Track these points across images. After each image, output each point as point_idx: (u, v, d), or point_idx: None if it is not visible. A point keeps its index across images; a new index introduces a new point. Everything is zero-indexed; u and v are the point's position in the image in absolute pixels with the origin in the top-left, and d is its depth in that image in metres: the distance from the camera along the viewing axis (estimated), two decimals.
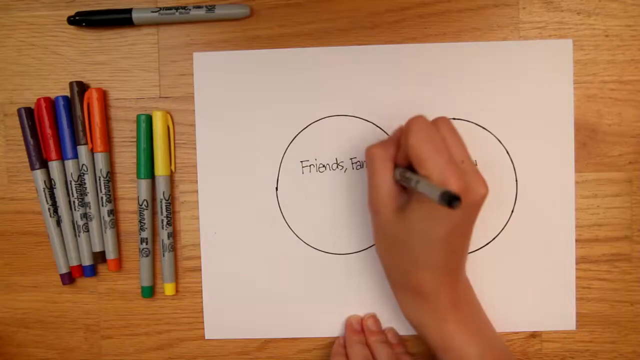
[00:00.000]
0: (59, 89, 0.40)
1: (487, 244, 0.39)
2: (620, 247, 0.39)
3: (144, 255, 0.40)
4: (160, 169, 0.39)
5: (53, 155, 0.39)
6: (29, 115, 0.39)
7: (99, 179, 0.39)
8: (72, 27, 0.40)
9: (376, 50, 0.39)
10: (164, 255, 0.40)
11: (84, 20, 0.39)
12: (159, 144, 0.39)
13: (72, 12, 0.39)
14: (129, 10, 0.39)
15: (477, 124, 0.39)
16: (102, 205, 0.39)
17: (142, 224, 0.39)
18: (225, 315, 0.40)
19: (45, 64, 0.40)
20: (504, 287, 0.39)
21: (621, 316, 0.40)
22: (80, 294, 0.41)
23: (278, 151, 0.40)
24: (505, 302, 0.39)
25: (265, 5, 0.39)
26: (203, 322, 0.40)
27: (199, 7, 0.39)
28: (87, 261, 0.40)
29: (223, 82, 0.40)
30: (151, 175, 0.39)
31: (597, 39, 0.39)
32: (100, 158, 0.39)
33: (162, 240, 0.40)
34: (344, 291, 0.40)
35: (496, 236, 0.39)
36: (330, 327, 0.40)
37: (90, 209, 0.40)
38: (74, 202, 0.40)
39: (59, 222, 0.40)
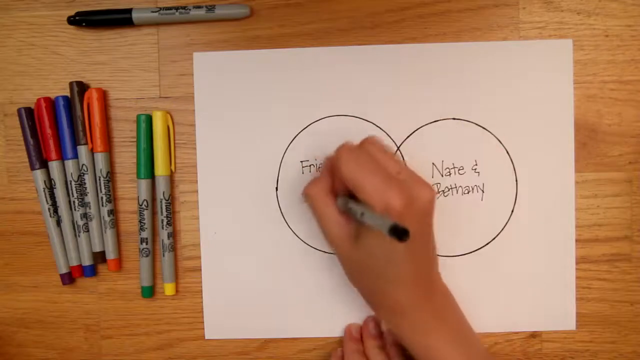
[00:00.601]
0: (59, 89, 0.40)
1: (487, 244, 0.39)
2: (620, 247, 0.39)
3: (144, 255, 0.40)
4: (160, 169, 0.39)
5: (53, 155, 0.39)
6: (29, 115, 0.39)
7: (99, 179, 0.39)
8: (72, 27, 0.40)
9: (376, 50, 0.39)
10: (164, 255, 0.40)
11: (84, 20, 0.39)
12: (159, 144, 0.39)
13: (72, 12, 0.39)
14: (129, 10, 0.39)
15: (477, 124, 0.39)
16: (102, 205, 0.39)
17: (142, 224, 0.39)
18: (225, 315, 0.40)
19: (45, 64, 0.40)
20: (504, 287, 0.39)
21: (621, 316, 0.40)
22: (80, 294, 0.41)
23: (278, 151, 0.40)
24: (505, 302, 0.39)
25: (265, 5, 0.39)
26: (203, 322, 0.40)
27: (199, 7, 0.39)
28: (87, 261, 0.40)
29: (223, 82, 0.40)
30: (151, 175, 0.39)
31: (597, 39, 0.39)
32: (100, 158, 0.39)
33: (162, 240, 0.40)
34: (344, 291, 0.40)
35: (496, 236, 0.39)
36: (330, 327, 0.40)
37: (90, 209, 0.40)
38: (74, 202, 0.40)
39: (59, 222, 0.40)
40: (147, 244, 0.39)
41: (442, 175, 0.39)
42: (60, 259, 0.40)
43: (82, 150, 0.39)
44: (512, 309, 0.39)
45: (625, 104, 0.39)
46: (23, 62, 0.40)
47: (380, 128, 0.39)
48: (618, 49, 0.39)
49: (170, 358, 0.41)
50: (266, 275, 0.40)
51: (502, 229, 0.39)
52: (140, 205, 0.39)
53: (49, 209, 0.40)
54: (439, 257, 0.37)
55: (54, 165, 0.39)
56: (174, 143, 0.40)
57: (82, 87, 0.39)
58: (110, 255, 0.40)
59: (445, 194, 0.39)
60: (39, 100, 0.39)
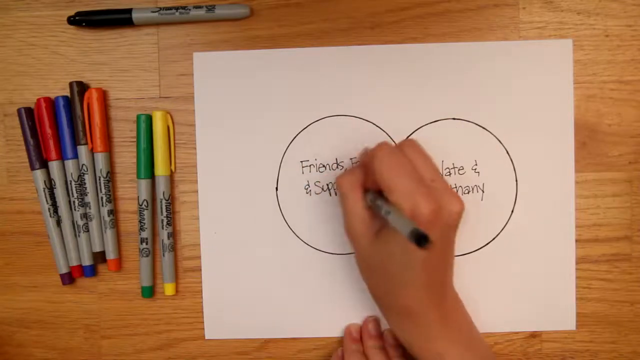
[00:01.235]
0: (59, 89, 0.40)
1: (487, 244, 0.39)
2: (620, 247, 0.39)
3: (144, 255, 0.40)
4: (160, 169, 0.39)
5: (53, 155, 0.39)
6: (29, 115, 0.39)
7: (99, 179, 0.39)
8: (72, 27, 0.40)
9: (376, 50, 0.39)
10: (164, 255, 0.40)
11: (84, 20, 0.39)
12: (159, 144, 0.39)
13: (72, 12, 0.39)
14: (129, 10, 0.39)
15: (477, 124, 0.39)
16: (102, 205, 0.39)
17: (142, 224, 0.39)
18: (225, 315, 0.40)
19: (45, 64, 0.40)
20: (504, 287, 0.39)
21: (621, 316, 0.40)
22: (80, 294, 0.41)
23: (278, 151, 0.40)
24: (505, 302, 0.39)
25: (265, 5, 0.39)
26: (203, 322, 0.40)
27: (199, 7, 0.39)
28: (87, 261, 0.40)
29: (223, 82, 0.40)
30: (151, 175, 0.39)
31: (597, 39, 0.39)
32: (100, 158, 0.39)
33: (162, 240, 0.40)
34: (344, 291, 0.40)
35: (496, 236, 0.39)
36: (330, 327, 0.40)
37: (90, 209, 0.40)
38: (74, 202, 0.40)
39: (59, 222, 0.40)
40: (147, 244, 0.39)
41: (442, 175, 0.39)
42: (60, 259, 0.40)
43: (82, 150, 0.39)
44: (512, 309, 0.39)
45: (625, 104, 0.39)
46: (23, 62, 0.40)
47: (380, 128, 0.39)
48: (618, 49, 0.39)
49: (170, 358, 0.41)
50: (266, 275, 0.40)
51: (502, 229, 0.39)
52: (140, 205, 0.39)
53: (49, 209, 0.40)
54: None
55: (54, 165, 0.39)
56: (174, 143, 0.40)
57: (82, 87, 0.39)
58: (110, 255, 0.40)
59: None
60: (39, 100, 0.39)
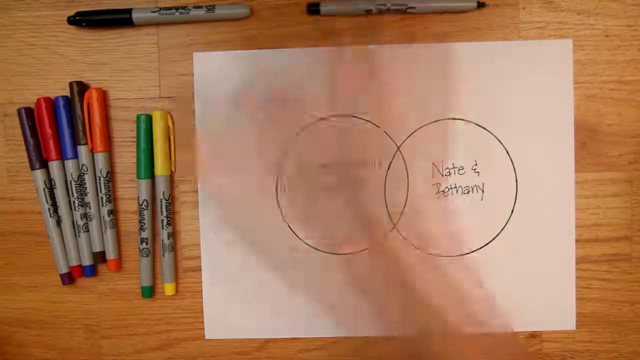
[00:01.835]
0: (59, 89, 0.40)
1: (487, 244, 0.39)
2: (620, 247, 0.39)
3: (144, 255, 0.40)
4: (160, 169, 0.39)
5: (53, 155, 0.39)
6: (29, 115, 0.39)
7: (99, 179, 0.39)
8: (72, 27, 0.40)
9: (376, 50, 0.39)
10: (164, 255, 0.40)
11: (84, 20, 0.39)
12: (159, 144, 0.39)
13: (72, 12, 0.39)
14: (129, 10, 0.39)
15: (477, 124, 0.39)
16: (102, 205, 0.39)
17: (142, 224, 0.39)
18: (225, 315, 0.40)
19: (45, 64, 0.40)
20: (504, 287, 0.39)
21: (621, 316, 0.40)
22: (80, 294, 0.41)
23: (278, 151, 0.40)
24: (506, 302, 0.39)
25: (265, 5, 0.39)
26: (203, 322, 0.40)
27: (199, 7, 0.39)
28: (87, 261, 0.40)
29: (223, 82, 0.40)
30: (151, 175, 0.39)
31: (597, 39, 0.39)
32: (100, 158, 0.39)
33: (162, 240, 0.40)
34: (344, 291, 0.40)
35: (496, 236, 0.39)
36: (330, 327, 0.40)
37: (90, 209, 0.40)
38: (74, 202, 0.40)
39: (59, 222, 0.40)
40: (147, 244, 0.39)
41: (442, 175, 0.39)
42: (60, 259, 0.40)
43: (82, 150, 0.39)
44: (512, 308, 0.39)
45: (625, 104, 0.39)
46: (23, 62, 0.40)
47: (381, 128, 0.39)
48: (618, 49, 0.39)
49: (170, 358, 0.41)
50: (266, 275, 0.40)
51: (502, 229, 0.39)
52: (140, 205, 0.39)
53: (49, 209, 0.40)
54: (438, 257, 0.38)
55: (54, 165, 0.39)
56: (174, 143, 0.40)
57: (82, 87, 0.39)
58: (110, 255, 0.40)
59: (445, 194, 0.39)
60: (39, 100, 0.39)
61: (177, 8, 0.39)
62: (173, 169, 0.40)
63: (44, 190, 0.40)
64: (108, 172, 0.40)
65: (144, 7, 0.39)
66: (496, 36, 0.39)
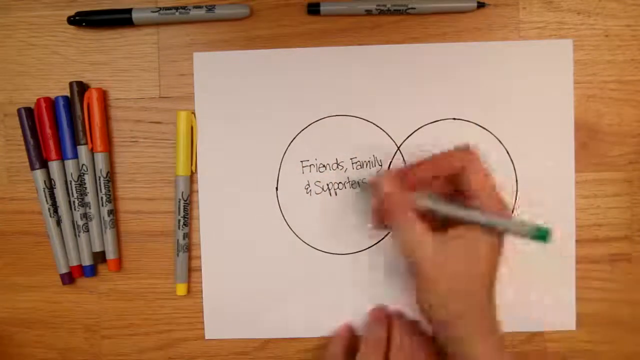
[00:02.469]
0: (59, 89, 0.40)
1: None
2: (620, 247, 0.39)
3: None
4: (182, 169, 0.39)
5: (53, 155, 0.39)
6: (29, 115, 0.39)
7: (99, 179, 0.39)
8: (72, 27, 0.40)
9: (376, 50, 0.39)
10: (177, 255, 0.39)
11: (84, 20, 0.39)
12: (181, 144, 0.39)
13: (72, 12, 0.39)
14: (129, 10, 0.39)
15: (477, 124, 0.39)
16: (102, 205, 0.39)
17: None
18: (225, 315, 0.40)
19: (45, 64, 0.40)
20: (504, 287, 0.39)
21: (621, 316, 0.40)
22: (80, 294, 0.41)
23: (278, 151, 0.40)
24: (506, 302, 0.39)
25: (265, 5, 0.39)
26: (203, 322, 0.40)
27: (199, 7, 0.39)
28: (87, 261, 0.40)
29: (223, 82, 0.40)
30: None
31: (597, 39, 0.39)
32: (100, 158, 0.39)
33: (178, 240, 0.39)
34: (344, 291, 0.40)
35: None
36: (330, 327, 0.40)
37: (90, 209, 0.40)
38: (74, 202, 0.40)
39: (59, 222, 0.40)
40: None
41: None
42: (60, 259, 0.40)
43: (82, 150, 0.39)
44: (512, 309, 0.39)
45: (625, 104, 0.39)
46: (23, 62, 0.40)
47: (381, 128, 0.39)
48: (618, 49, 0.39)
49: (170, 358, 0.41)
50: (266, 275, 0.40)
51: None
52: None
53: (49, 209, 0.40)
54: None
55: (54, 165, 0.39)
56: (197, 144, 0.40)
57: (82, 87, 0.39)
58: (110, 255, 0.40)
59: None
60: (39, 100, 0.39)
61: (177, 8, 0.39)
62: (193, 170, 0.40)
63: (44, 190, 0.39)
64: (108, 172, 0.40)
65: (144, 7, 0.39)
66: (496, 36, 0.39)
